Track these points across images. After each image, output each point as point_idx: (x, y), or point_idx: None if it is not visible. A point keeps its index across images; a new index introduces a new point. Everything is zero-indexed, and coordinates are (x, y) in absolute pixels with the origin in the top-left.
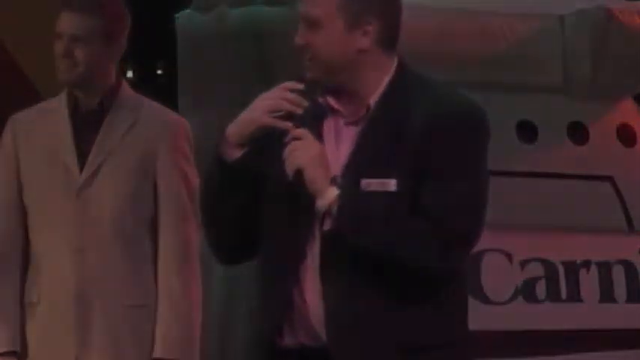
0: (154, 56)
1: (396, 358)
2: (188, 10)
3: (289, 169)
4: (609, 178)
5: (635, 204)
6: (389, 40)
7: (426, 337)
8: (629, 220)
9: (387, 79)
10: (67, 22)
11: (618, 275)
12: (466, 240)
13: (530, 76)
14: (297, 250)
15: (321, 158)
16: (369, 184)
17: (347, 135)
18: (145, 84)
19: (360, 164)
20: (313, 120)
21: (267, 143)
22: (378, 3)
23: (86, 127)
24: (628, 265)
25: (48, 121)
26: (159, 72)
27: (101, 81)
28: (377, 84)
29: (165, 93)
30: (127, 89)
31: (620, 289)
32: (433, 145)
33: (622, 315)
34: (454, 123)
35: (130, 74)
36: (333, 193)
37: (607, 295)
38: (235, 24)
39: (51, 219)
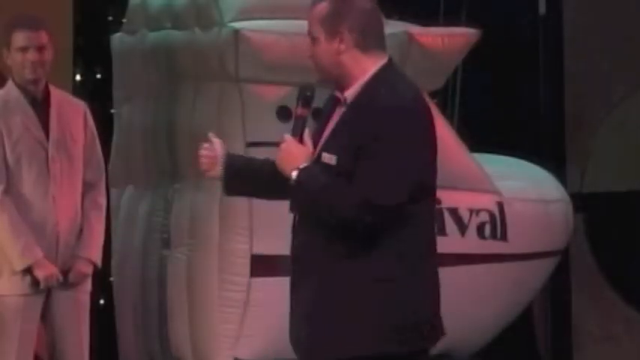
0: (95, 65)
1: (347, 291)
2: (119, 33)
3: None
4: None
5: None
6: (363, 43)
7: (369, 275)
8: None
9: (367, 76)
10: (29, 38)
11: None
12: (381, 205)
13: None
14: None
15: (288, 155)
16: (325, 157)
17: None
18: (88, 84)
19: (326, 141)
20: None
21: None
22: (347, 18)
23: (41, 112)
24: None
25: (16, 106)
26: (98, 76)
27: (44, 78)
28: (359, 79)
29: (103, 91)
30: (50, 85)
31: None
32: (369, 130)
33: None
34: (385, 113)
35: (78, 77)
36: (293, 176)
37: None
38: (152, 43)
39: (29, 173)
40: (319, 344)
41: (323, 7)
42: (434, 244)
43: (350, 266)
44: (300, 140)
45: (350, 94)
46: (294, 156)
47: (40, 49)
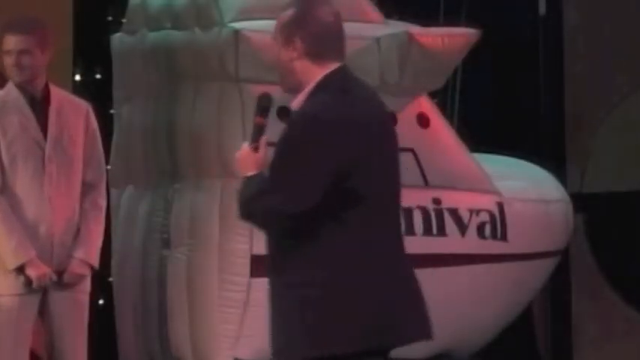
0: (95, 65)
1: (283, 291)
2: (119, 33)
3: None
4: (411, 150)
5: (429, 167)
6: (316, 53)
7: (297, 277)
8: (424, 179)
9: (311, 86)
10: (14, 42)
11: (417, 216)
12: (283, 209)
13: None
14: None
15: (241, 163)
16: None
17: None
18: (88, 84)
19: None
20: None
21: None
22: (303, 27)
23: (39, 111)
24: (423, 209)
25: (14, 106)
26: (98, 76)
27: (39, 80)
28: (307, 89)
29: (103, 91)
30: (52, 86)
31: (418, 225)
32: (280, 138)
33: (419, 244)
34: (290, 122)
35: (78, 77)
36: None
37: (409, 230)
38: (152, 43)
39: (25, 173)
40: (271, 347)
41: (284, 15)
42: (377, 247)
43: (282, 272)
44: (257, 148)
45: (295, 103)
46: (245, 164)
47: (24, 52)
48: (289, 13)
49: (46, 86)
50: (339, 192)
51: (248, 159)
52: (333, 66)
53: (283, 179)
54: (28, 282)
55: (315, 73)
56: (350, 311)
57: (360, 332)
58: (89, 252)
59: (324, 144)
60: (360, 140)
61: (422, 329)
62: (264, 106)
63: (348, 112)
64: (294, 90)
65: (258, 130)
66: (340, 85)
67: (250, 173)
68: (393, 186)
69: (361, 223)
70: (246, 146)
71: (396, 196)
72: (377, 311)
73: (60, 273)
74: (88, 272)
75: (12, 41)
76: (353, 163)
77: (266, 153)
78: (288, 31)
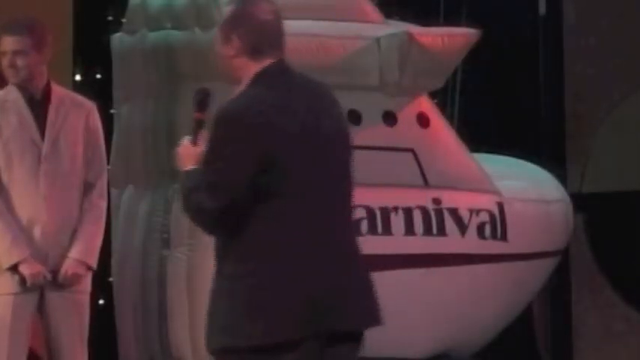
0: (95, 65)
1: (217, 281)
2: (119, 33)
3: None
4: (411, 150)
5: (429, 167)
6: (253, 50)
7: (228, 269)
8: (424, 179)
9: (246, 82)
10: (9, 43)
11: (417, 216)
12: (208, 206)
13: (357, 79)
14: None
15: (181, 158)
16: None
17: None
18: (88, 84)
19: None
20: None
21: None
22: (237, 25)
23: (38, 111)
24: (423, 209)
25: (13, 106)
26: (98, 76)
27: (38, 79)
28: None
29: (103, 91)
30: (54, 85)
31: (418, 225)
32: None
33: (419, 244)
34: (213, 119)
35: (78, 77)
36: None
37: (409, 230)
38: (152, 43)
39: (20, 172)
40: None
41: (225, 13)
42: (303, 240)
43: (218, 263)
44: (196, 143)
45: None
46: (185, 159)
47: (19, 53)
48: (228, 10)
49: (48, 85)
50: (261, 187)
51: (188, 153)
52: (269, 62)
53: (206, 176)
54: (23, 281)
55: (252, 70)
56: (271, 303)
57: (281, 323)
58: (85, 252)
59: (240, 141)
60: (277, 136)
61: (358, 318)
62: (201, 101)
63: (267, 108)
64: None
65: (197, 125)
66: (269, 81)
67: (189, 167)
68: (332, 180)
69: (286, 216)
70: (186, 141)
71: (337, 189)
72: (299, 302)
73: (56, 273)
74: (84, 272)
75: (7, 42)
76: (271, 158)
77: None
78: (227, 29)
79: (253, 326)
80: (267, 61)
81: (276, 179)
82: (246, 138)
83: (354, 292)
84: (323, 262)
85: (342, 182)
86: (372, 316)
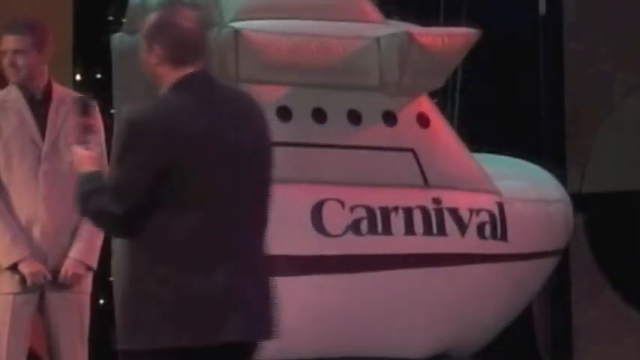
0: (95, 64)
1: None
2: (119, 33)
3: None
4: (411, 150)
5: (429, 167)
6: (175, 58)
7: (126, 270)
8: (424, 179)
9: (163, 90)
10: (10, 42)
11: (417, 216)
12: (109, 210)
13: (357, 79)
14: None
15: (76, 161)
16: None
17: None
18: (88, 83)
19: None
20: None
21: None
22: (159, 34)
23: (39, 111)
24: (423, 209)
25: (13, 106)
26: (98, 76)
27: (39, 79)
28: None
29: (103, 89)
30: (55, 84)
31: (418, 225)
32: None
33: (419, 243)
34: (120, 126)
35: (78, 77)
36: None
37: (409, 230)
38: None
39: (20, 172)
40: None
41: (146, 21)
42: (200, 249)
43: (120, 264)
44: (87, 147)
45: None
46: (81, 163)
47: (19, 52)
48: (150, 19)
49: (49, 85)
50: (163, 193)
51: (83, 158)
52: (189, 71)
53: (110, 179)
54: (23, 280)
55: (172, 78)
56: (154, 309)
57: (164, 330)
58: (85, 252)
59: (142, 147)
60: (181, 144)
61: (249, 330)
62: (81, 107)
63: (175, 116)
64: None
65: (83, 130)
66: (185, 89)
67: (86, 170)
68: (241, 191)
69: (185, 225)
70: (76, 148)
71: (246, 201)
72: (184, 312)
73: (56, 273)
74: (84, 272)
75: (8, 41)
76: (173, 165)
77: (100, 151)
78: (149, 37)
79: (138, 331)
80: (187, 70)
81: (178, 187)
82: (149, 144)
83: (246, 305)
84: (218, 272)
85: (253, 195)
86: (265, 329)
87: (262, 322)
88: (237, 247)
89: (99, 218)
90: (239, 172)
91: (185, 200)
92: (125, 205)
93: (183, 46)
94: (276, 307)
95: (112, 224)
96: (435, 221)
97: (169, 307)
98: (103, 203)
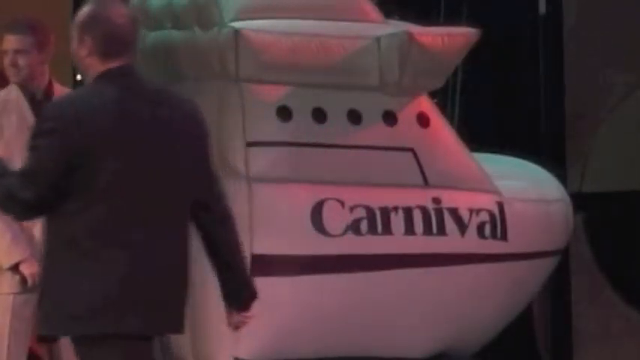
0: None
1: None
2: None
3: None
4: (411, 150)
5: (429, 167)
6: (102, 52)
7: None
8: (424, 179)
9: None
10: (11, 42)
11: (417, 216)
12: (18, 195)
13: (357, 78)
14: None
15: None
16: None
17: None
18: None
19: None
20: None
21: None
22: (91, 27)
23: (40, 110)
24: (423, 209)
25: (14, 106)
26: None
27: (40, 79)
28: None
29: None
30: (56, 84)
31: (418, 225)
32: None
33: (419, 243)
34: (39, 115)
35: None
36: None
37: (409, 229)
38: (152, 43)
39: None
40: None
41: (79, 14)
42: (106, 239)
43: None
44: None
45: None
46: None
47: (20, 52)
48: (83, 12)
49: (50, 85)
50: (70, 182)
51: None
52: (114, 64)
53: (23, 165)
54: (24, 281)
55: (98, 70)
56: (59, 297)
57: (71, 317)
58: None
59: (53, 136)
60: (92, 136)
61: (148, 324)
62: None
63: (88, 109)
64: None
65: None
66: (107, 83)
67: None
68: (153, 183)
69: (89, 216)
70: None
71: (156, 197)
72: (86, 301)
73: None
74: None
75: (9, 41)
76: (83, 154)
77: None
78: (80, 30)
79: (53, 318)
80: (114, 64)
81: (87, 177)
82: (60, 133)
83: (148, 298)
84: (120, 264)
85: (167, 190)
86: (166, 323)
87: (162, 316)
88: (143, 240)
89: (6, 202)
90: (152, 167)
91: (93, 191)
92: (34, 190)
93: (113, 40)
94: (181, 302)
95: (20, 209)
96: (434, 221)
97: (71, 295)
98: (11, 187)
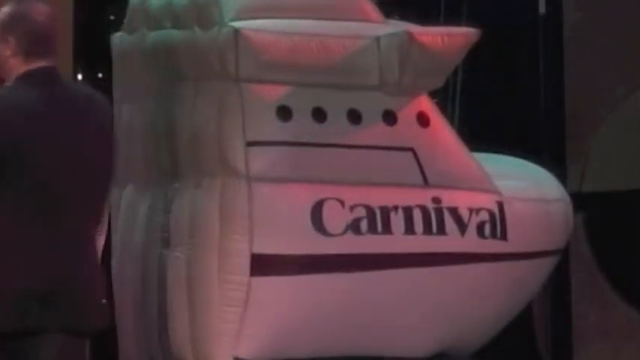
0: (95, 64)
1: None
2: (120, 33)
3: None
4: (411, 149)
5: (429, 167)
6: (25, 51)
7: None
8: (424, 178)
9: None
10: None
11: (417, 216)
12: None
13: (357, 78)
14: None
15: None
16: None
17: None
18: (89, 83)
19: None
20: None
21: None
22: (14, 27)
23: None
24: (423, 209)
25: None
26: (99, 75)
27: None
28: None
29: (103, 91)
30: None
31: (418, 225)
32: None
33: (418, 243)
34: None
35: (79, 77)
36: None
37: (409, 229)
38: (152, 43)
39: None
40: None
41: (2, 12)
42: (26, 236)
43: None
44: None
45: None
46: None
47: None
48: (4, 12)
49: None
50: None
51: None
52: (37, 65)
53: None
54: None
55: (20, 70)
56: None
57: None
58: None
59: None
60: (11, 133)
61: (63, 320)
62: None
63: (7, 107)
64: None
65: None
66: (27, 82)
67: None
68: (72, 181)
69: (16, 209)
70: None
71: (77, 191)
72: (15, 295)
73: None
74: None
75: None
76: (4, 154)
77: None
78: (3, 30)
79: None
80: (37, 64)
81: (10, 172)
82: None
83: (73, 291)
84: (42, 258)
85: (85, 188)
86: (87, 319)
87: (82, 312)
88: (60, 237)
89: None
90: (71, 165)
91: (16, 187)
92: None
93: (37, 40)
94: (99, 299)
95: None
96: (434, 220)
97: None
98: None
